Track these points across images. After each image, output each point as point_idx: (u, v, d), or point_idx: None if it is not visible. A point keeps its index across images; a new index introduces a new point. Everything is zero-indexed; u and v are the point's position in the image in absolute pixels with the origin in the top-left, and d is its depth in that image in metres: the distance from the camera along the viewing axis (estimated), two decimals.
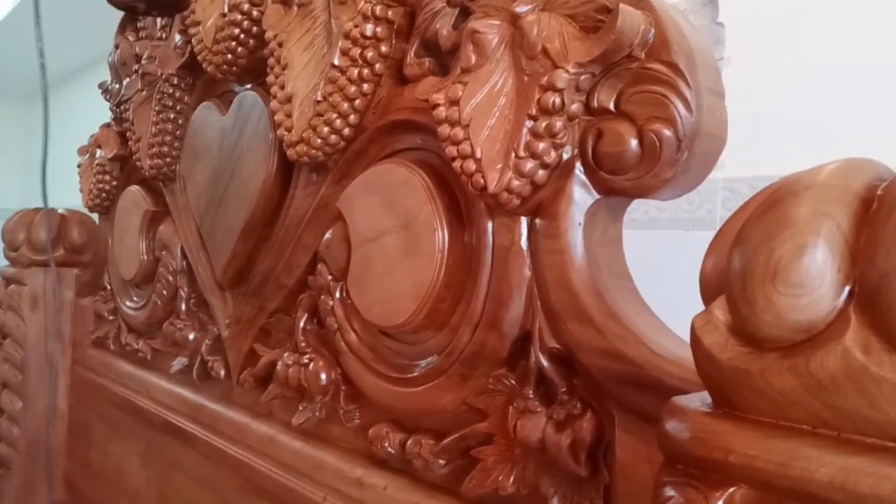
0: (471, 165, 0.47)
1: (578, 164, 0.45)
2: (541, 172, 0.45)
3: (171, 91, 0.90)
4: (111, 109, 1.17)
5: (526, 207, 0.47)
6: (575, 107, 0.43)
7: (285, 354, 0.72)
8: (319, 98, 0.62)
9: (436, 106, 0.50)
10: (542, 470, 0.48)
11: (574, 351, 0.44)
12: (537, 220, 0.47)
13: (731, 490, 0.27)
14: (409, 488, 0.57)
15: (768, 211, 0.27)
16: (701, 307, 0.30)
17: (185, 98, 0.91)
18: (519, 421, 0.48)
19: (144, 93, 0.97)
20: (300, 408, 0.71)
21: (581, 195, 0.45)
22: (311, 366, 0.68)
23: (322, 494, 0.65)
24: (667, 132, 0.40)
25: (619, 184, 0.43)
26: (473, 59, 0.48)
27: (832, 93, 1.07)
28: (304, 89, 0.65)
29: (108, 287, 1.20)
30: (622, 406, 0.42)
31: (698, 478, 0.28)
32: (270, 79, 0.68)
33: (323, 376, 0.67)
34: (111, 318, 1.18)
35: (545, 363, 0.47)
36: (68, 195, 1.60)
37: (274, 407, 0.77)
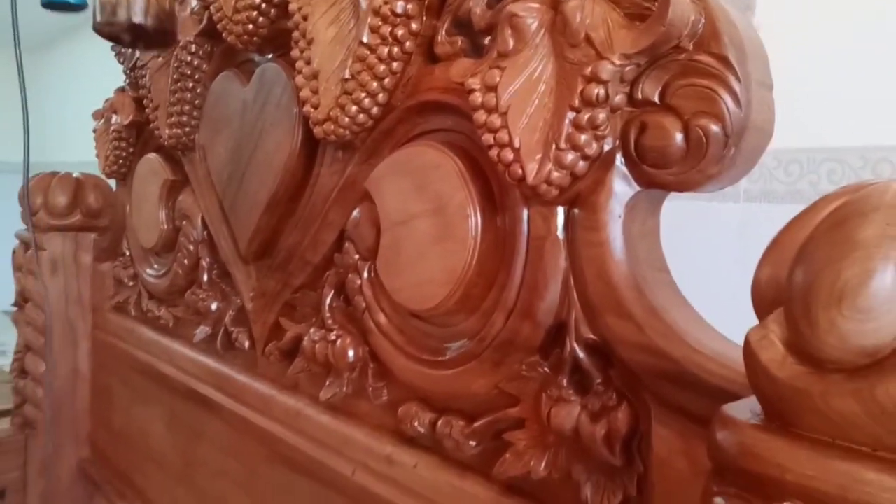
0: (508, 155, 0.47)
1: (619, 156, 0.44)
2: (581, 164, 0.44)
3: (188, 59, 0.88)
4: (125, 73, 1.16)
5: (564, 198, 0.47)
6: (618, 98, 0.43)
7: (312, 330, 0.72)
8: (347, 76, 0.61)
9: (471, 91, 0.49)
10: (574, 457, 0.49)
11: (611, 344, 0.45)
12: (575, 211, 0.47)
13: None
14: (440, 467, 0.58)
15: (834, 230, 0.26)
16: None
17: (204, 66, 0.89)
18: (553, 409, 0.48)
19: (160, 59, 0.96)
20: (327, 383, 0.72)
21: (621, 187, 0.45)
22: (339, 343, 0.69)
23: (351, 468, 0.66)
24: (714, 128, 0.39)
25: (662, 178, 0.42)
26: (511, 43, 0.47)
27: (868, 59, 1.04)
28: (330, 66, 0.63)
29: (127, 253, 1.20)
30: (659, 400, 0.42)
31: (750, 491, 0.28)
32: (295, 53, 0.66)
33: (350, 353, 0.68)
34: (131, 283, 1.19)
35: (581, 354, 0.47)
36: (82, 150, 1.59)
37: (300, 380, 0.78)
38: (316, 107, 0.64)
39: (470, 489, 0.55)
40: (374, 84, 0.59)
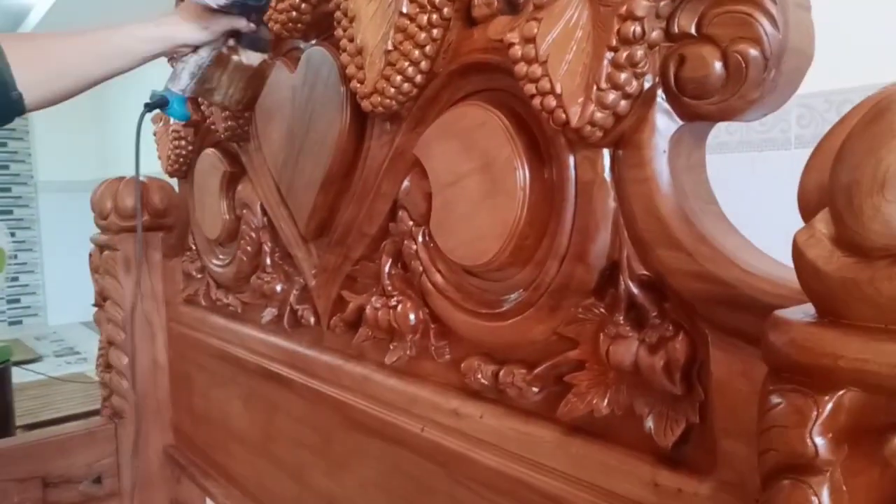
0: (551, 101, 0.48)
1: (660, 92, 0.45)
2: (623, 103, 0.45)
3: None
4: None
5: (608, 139, 0.48)
6: (655, 34, 0.43)
7: (373, 298, 0.75)
8: (390, 47, 0.63)
9: (510, 45, 0.51)
10: (635, 391, 0.50)
11: (664, 276, 0.46)
12: (620, 151, 0.48)
13: (840, 393, 0.28)
14: (505, 416, 0.61)
15: (873, 123, 0.27)
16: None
17: None
18: (611, 346, 0.50)
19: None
20: (391, 347, 0.75)
21: (664, 122, 0.46)
22: (400, 308, 0.72)
23: (420, 426, 0.69)
24: (753, 52, 0.40)
25: (704, 108, 0.43)
26: None
27: None
28: (374, 40, 0.66)
29: (194, 247, 1.27)
30: (715, 326, 0.43)
31: (805, 384, 0.29)
32: (338, 32, 0.69)
33: (411, 316, 0.71)
34: (199, 276, 1.25)
35: (635, 290, 0.48)
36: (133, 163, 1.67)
37: (364, 348, 0.81)
38: (362, 81, 0.67)
39: (535, 432, 0.57)
40: (416, 52, 0.61)
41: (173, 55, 0.78)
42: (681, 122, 0.45)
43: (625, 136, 0.47)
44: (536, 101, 0.49)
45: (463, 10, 0.61)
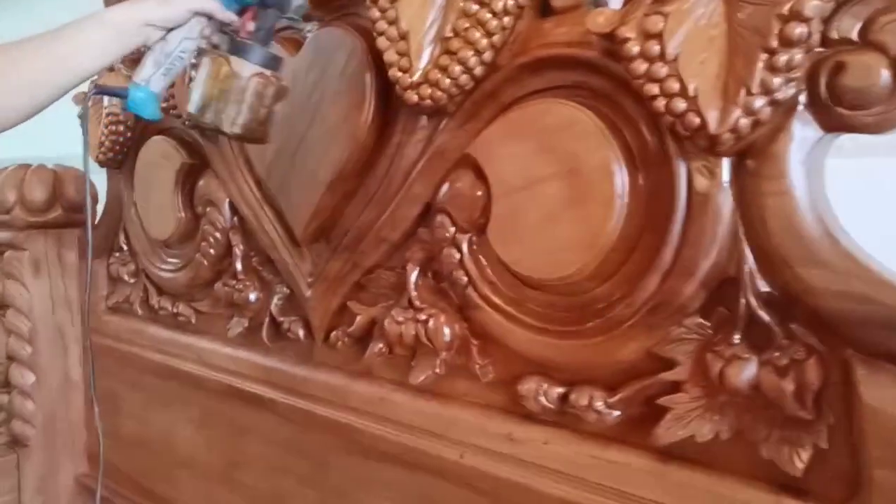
0: (680, 104, 0.44)
1: (802, 99, 0.43)
2: (766, 110, 0.42)
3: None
4: None
5: (737, 148, 0.45)
6: (814, 38, 0.41)
7: (394, 311, 0.68)
8: (449, 34, 0.57)
9: (625, 40, 0.46)
10: (747, 415, 0.47)
11: (801, 296, 0.43)
12: (749, 161, 0.45)
13: None
14: (575, 440, 0.56)
15: None
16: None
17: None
18: (726, 368, 0.47)
19: None
20: (413, 365, 0.68)
21: (803, 132, 0.43)
22: (432, 322, 0.65)
23: (458, 452, 0.63)
24: None
25: (860, 120, 0.41)
26: None
27: None
28: (421, 24, 0.59)
29: (125, 248, 1.11)
30: (864, 349, 0.41)
31: None
32: (374, 13, 0.61)
33: (446, 332, 0.64)
34: (132, 280, 1.10)
35: (759, 309, 0.46)
36: (47, 144, 1.45)
37: (372, 366, 0.73)
38: (406, 70, 0.60)
39: (618, 459, 0.53)
40: (484, 41, 0.55)
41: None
42: (821, 133, 0.43)
43: (755, 145, 0.44)
44: (660, 103, 0.45)
45: None
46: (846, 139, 0.42)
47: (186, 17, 0.62)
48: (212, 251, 0.90)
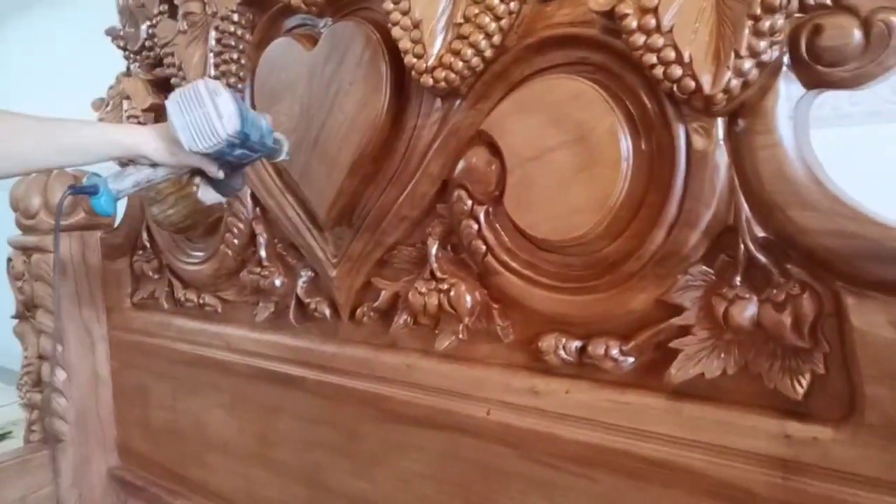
0: (676, 70, 0.49)
1: (786, 60, 0.48)
2: (754, 71, 0.47)
3: (231, 29, 0.86)
4: (127, 57, 1.10)
5: (729, 107, 0.50)
6: (793, 4, 0.46)
7: (417, 283, 0.73)
8: (460, 20, 0.61)
9: (623, 16, 0.51)
10: (750, 350, 0.52)
11: (795, 237, 0.48)
12: (741, 119, 0.50)
13: None
14: (594, 388, 0.61)
15: None
16: None
17: (247, 36, 0.87)
18: (730, 308, 0.52)
19: (188, 34, 0.92)
20: (438, 333, 0.73)
21: (789, 90, 0.48)
22: (453, 291, 0.70)
23: (485, 409, 0.68)
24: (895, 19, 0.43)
25: (837, 76, 0.46)
26: None
27: None
28: (433, 12, 0.64)
29: (148, 245, 1.15)
30: (854, 280, 0.46)
31: None
32: (388, 5, 0.66)
33: (468, 298, 0.69)
34: (157, 276, 1.15)
35: (756, 253, 0.50)
36: None
37: (398, 338, 0.78)
38: (420, 56, 0.65)
39: (636, 401, 0.58)
40: (493, 25, 0.60)
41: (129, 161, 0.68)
42: (804, 91, 0.48)
43: (746, 103, 0.49)
44: (658, 71, 0.50)
45: None
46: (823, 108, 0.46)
47: (184, 171, 0.68)
48: (236, 241, 0.95)
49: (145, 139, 0.64)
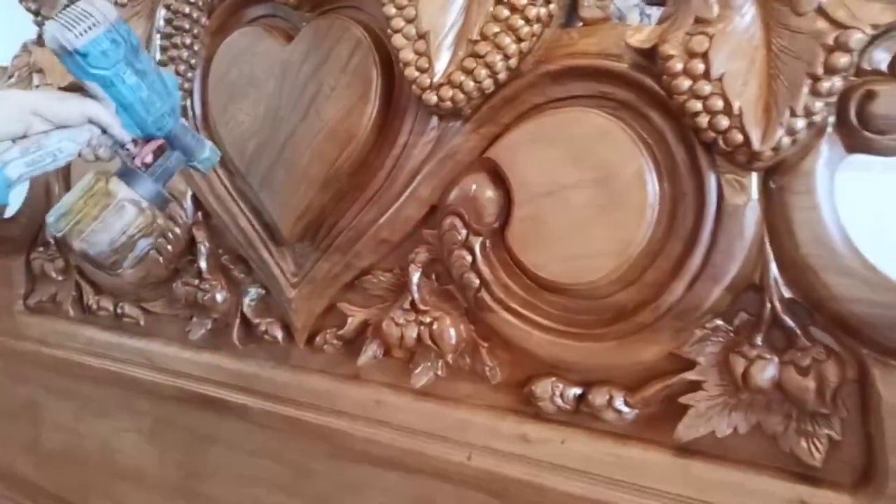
0: (723, 121, 0.47)
1: (831, 121, 0.47)
2: (805, 131, 0.46)
3: (186, 10, 0.75)
4: (39, 23, 0.95)
5: (768, 164, 0.48)
6: (851, 68, 0.45)
7: (394, 313, 0.67)
8: (476, 37, 0.56)
9: (668, 57, 0.48)
10: (764, 411, 0.51)
11: (825, 301, 0.47)
12: (781, 177, 0.48)
13: None
14: (593, 439, 0.58)
15: None
16: None
17: (204, 20, 0.77)
18: (750, 368, 0.50)
19: (129, 6, 0.80)
20: (417, 369, 0.67)
21: (831, 152, 0.47)
22: (436, 325, 0.65)
23: (465, 453, 0.63)
24: None
25: (883, 143, 0.45)
26: (716, 10, 0.47)
27: None
28: (442, 24, 0.58)
29: (52, 242, 1.01)
30: (882, 350, 0.46)
31: None
32: (390, 10, 0.60)
33: (452, 333, 0.64)
34: (61, 278, 1.00)
35: (782, 314, 0.49)
36: None
37: (363, 370, 0.72)
38: (424, 70, 0.59)
39: (637, 455, 0.56)
40: (514, 46, 0.55)
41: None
42: (846, 154, 0.47)
43: (785, 161, 0.48)
44: (702, 119, 0.48)
45: (565, 8, 0.56)
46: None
47: (78, 121, 0.54)
48: (169, 247, 0.84)
49: (30, 93, 0.53)
